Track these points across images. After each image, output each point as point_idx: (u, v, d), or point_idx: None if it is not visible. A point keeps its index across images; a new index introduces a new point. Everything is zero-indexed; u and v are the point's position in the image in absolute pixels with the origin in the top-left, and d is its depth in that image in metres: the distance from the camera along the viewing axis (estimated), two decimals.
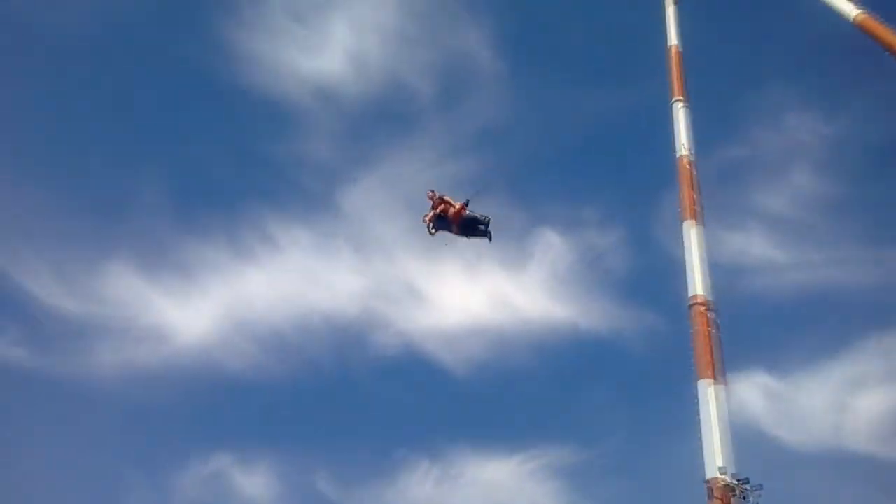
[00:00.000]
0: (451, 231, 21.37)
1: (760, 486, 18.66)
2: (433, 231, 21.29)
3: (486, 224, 21.17)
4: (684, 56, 25.95)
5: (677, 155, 22.34)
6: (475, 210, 20.94)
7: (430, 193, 21.20)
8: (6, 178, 49.03)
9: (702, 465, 19.99)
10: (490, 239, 21.52)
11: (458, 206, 20.89)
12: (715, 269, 21.73)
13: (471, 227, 21.37)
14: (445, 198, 21.09)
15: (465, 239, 21.46)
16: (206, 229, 56.16)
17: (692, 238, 20.43)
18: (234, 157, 59.15)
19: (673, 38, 26.41)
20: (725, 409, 19.30)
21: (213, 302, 51.86)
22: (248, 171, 60.49)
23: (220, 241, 55.88)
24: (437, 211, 21.02)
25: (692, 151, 22.44)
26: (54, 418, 45.22)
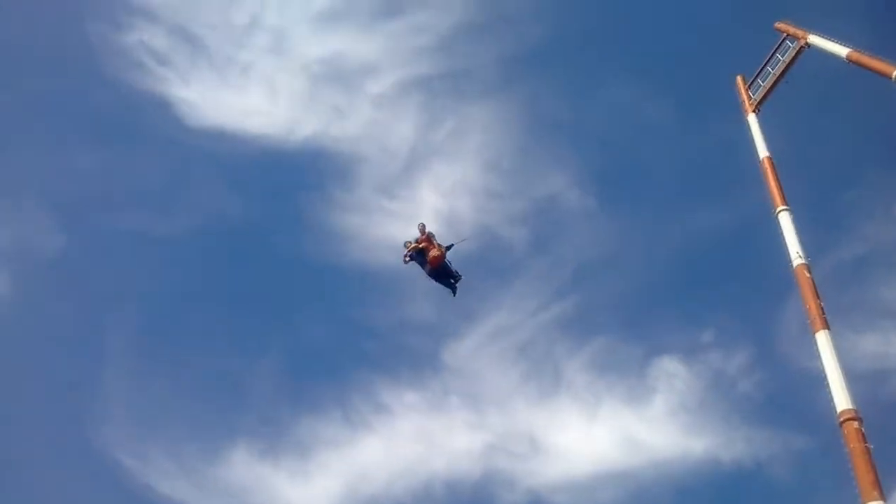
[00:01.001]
0: (423, 268, 22.72)
1: None
2: (408, 259, 22.36)
3: (457, 280, 22.78)
4: (777, 164, 26.00)
5: (794, 265, 21.87)
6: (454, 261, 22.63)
7: (421, 226, 22.66)
8: (131, 370, 52.27)
9: None
10: (454, 294, 23.12)
11: (438, 252, 22.28)
12: (856, 377, 20.70)
13: (442, 275, 22.78)
14: (433, 238, 22.55)
15: (432, 281, 22.68)
16: (320, 404, 57.31)
17: (827, 349, 19.62)
18: (340, 330, 61.21)
19: (763, 149, 26.58)
20: None
21: (332, 478, 51.99)
22: (354, 340, 62.29)
23: (335, 414, 56.78)
24: (420, 245, 22.41)
25: (807, 258, 21.99)
26: None
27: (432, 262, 22.65)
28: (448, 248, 22.18)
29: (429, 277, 22.90)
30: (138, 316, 55.16)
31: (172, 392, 53.86)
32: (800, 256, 21.76)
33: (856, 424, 18.20)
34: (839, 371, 19.08)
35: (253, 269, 61.21)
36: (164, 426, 52.09)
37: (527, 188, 63.46)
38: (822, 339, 19.74)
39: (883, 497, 17.79)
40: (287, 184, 63.39)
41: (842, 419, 18.38)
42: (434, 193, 62.51)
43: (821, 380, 19.79)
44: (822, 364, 19.45)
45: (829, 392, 18.98)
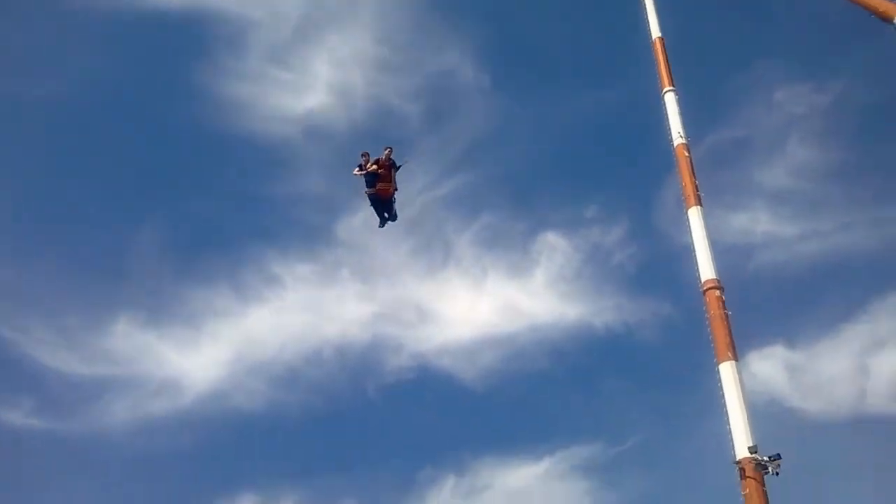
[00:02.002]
0: (367, 187, 22.37)
1: (778, 456, 19.07)
2: (358, 174, 22.14)
3: (392, 218, 22.92)
4: (669, 45, 26.33)
5: (674, 144, 22.64)
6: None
7: (388, 151, 22.30)
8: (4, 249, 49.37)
9: (729, 447, 20.33)
10: (382, 225, 23.16)
11: (392, 187, 22.43)
12: (723, 250, 22.15)
13: (383, 205, 22.62)
14: (393, 170, 22.66)
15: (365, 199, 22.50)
16: (209, 276, 56.43)
17: (697, 224, 20.73)
18: (230, 203, 59.59)
19: (655, 29, 26.74)
20: (747, 389, 19.64)
21: (222, 347, 52.04)
22: (246, 214, 60.90)
23: (224, 286, 56.12)
24: (379, 171, 22.74)
25: (688, 138, 22.76)
26: (75, 481, 45.27)
27: (382, 193, 22.13)
28: (396, 168, 21.90)
29: (366, 197, 22.21)
30: (13, 186, 52.08)
31: (52, 265, 51.93)
32: (681, 136, 22.51)
33: (717, 293, 19.62)
34: (707, 244, 20.29)
35: (137, 138, 58.24)
36: (45, 299, 50.47)
37: (421, 63, 62.29)
38: (694, 215, 20.81)
39: (735, 357, 19.48)
40: (171, 48, 59.63)
41: (705, 288, 19.75)
42: (327, 64, 60.46)
43: (690, 252, 21.08)
44: (691, 238, 20.62)
45: (696, 263, 20.27)
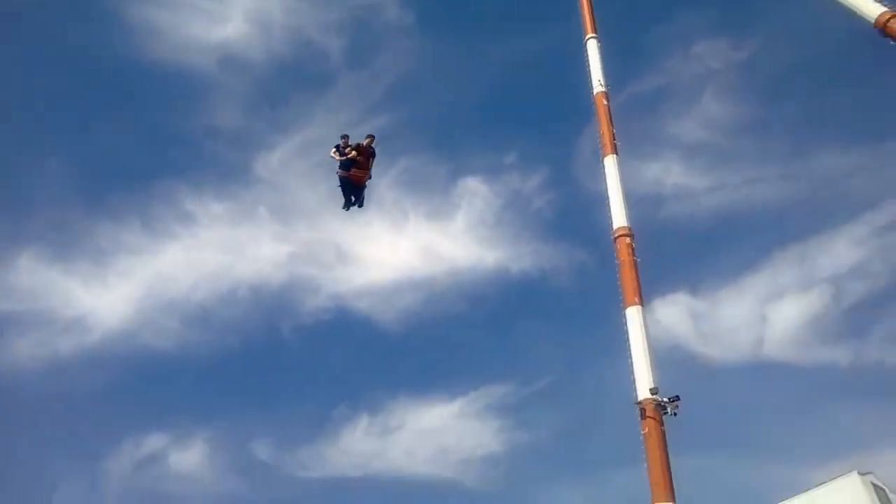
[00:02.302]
0: (341, 169, 21.73)
1: (677, 398, 20.10)
2: (335, 157, 21.33)
3: (359, 204, 22.09)
4: None
5: (594, 92, 22.74)
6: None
7: (370, 139, 21.65)
8: None
9: (633, 389, 21.28)
10: (346, 209, 22.29)
11: (367, 176, 21.59)
12: (636, 200, 22.59)
13: (353, 190, 22.03)
14: (372, 158, 21.64)
15: (336, 180, 21.79)
16: (119, 212, 53.93)
17: (612, 172, 21.03)
18: (142, 135, 56.78)
19: None
20: (651, 333, 20.41)
21: (132, 284, 50.29)
22: (158, 148, 58.24)
23: (135, 221, 53.86)
24: (357, 157, 21.36)
25: (607, 86, 22.88)
26: None
27: (355, 179, 21.29)
28: (374, 157, 21.46)
29: (338, 178, 21.31)
30: None
31: None
32: (601, 84, 22.62)
33: (628, 240, 20.11)
34: (620, 193, 20.66)
35: (38, 63, 54.54)
36: None
37: None
38: (610, 163, 21.10)
39: (641, 302, 20.14)
40: None
41: (616, 235, 20.21)
42: None
43: (605, 200, 21.45)
44: (606, 186, 20.94)
45: (609, 211, 20.65)
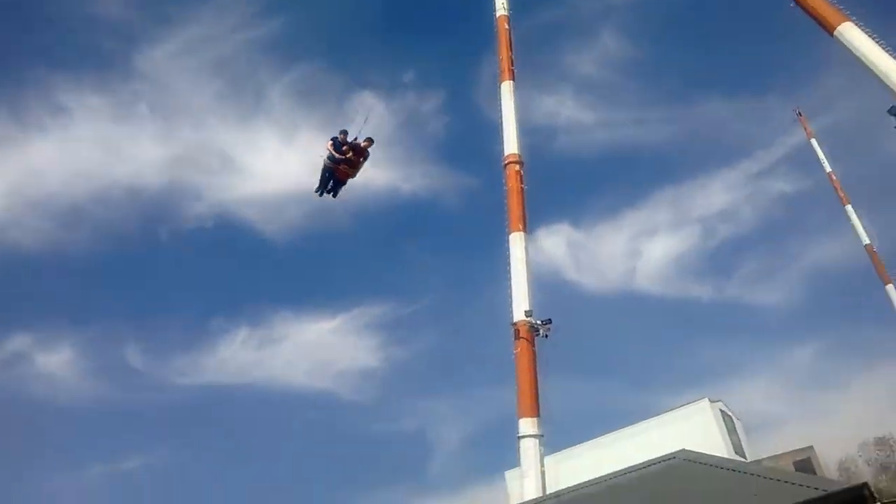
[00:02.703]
0: (329, 161, 20.84)
1: (549, 321, 21.19)
2: (328, 159, 20.48)
3: (333, 195, 21.46)
4: None
5: (496, 14, 22.61)
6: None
7: (368, 142, 20.31)
8: None
9: (511, 311, 22.14)
10: (319, 194, 21.59)
11: (352, 177, 20.80)
12: (529, 130, 22.94)
13: (334, 183, 21.33)
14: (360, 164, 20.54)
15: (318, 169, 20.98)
16: None
17: (508, 99, 21.19)
18: (9, 19, 51.84)
19: None
20: (531, 260, 21.16)
21: None
22: (29, 35, 53.47)
23: (2, 111, 49.65)
24: (349, 158, 20.22)
25: (510, 10, 22.79)
26: None
27: (341, 175, 20.02)
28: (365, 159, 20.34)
29: (322, 165, 20.07)
30: None
31: None
32: (503, 7, 22.47)
33: (517, 167, 20.49)
34: (514, 120, 20.90)
35: None
36: None
37: None
38: (506, 90, 21.22)
39: (525, 229, 20.74)
40: None
41: (506, 161, 20.53)
42: None
43: (498, 127, 21.68)
44: (500, 112, 21.12)
45: (501, 137, 20.92)
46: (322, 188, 21.48)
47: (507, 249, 21.14)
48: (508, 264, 21.41)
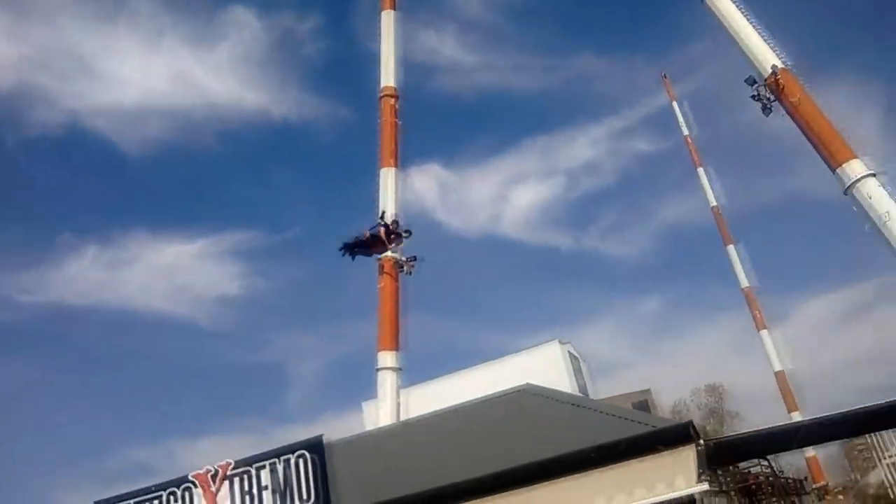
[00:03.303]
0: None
1: (414, 258, 21.41)
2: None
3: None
4: None
5: None
6: None
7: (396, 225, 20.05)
8: None
9: None
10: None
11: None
12: (409, 66, 22.57)
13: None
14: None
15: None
16: None
17: (388, 29, 20.72)
18: None
19: None
20: (401, 197, 21.15)
21: None
22: None
23: None
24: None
25: None
26: None
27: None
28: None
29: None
30: None
31: None
32: None
33: (392, 101, 20.21)
34: (393, 52, 20.49)
35: None
36: None
37: None
38: (386, 19, 20.74)
39: (397, 165, 20.60)
40: None
41: (382, 94, 20.20)
42: None
43: (377, 58, 21.20)
44: (380, 41, 20.65)
45: (379, 69, 20.51)
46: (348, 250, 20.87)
47: (378, 184, 21.00)
48: (377, 199, 21.31)
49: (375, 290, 21.17)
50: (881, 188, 20.33)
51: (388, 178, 20.16)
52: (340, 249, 20.75)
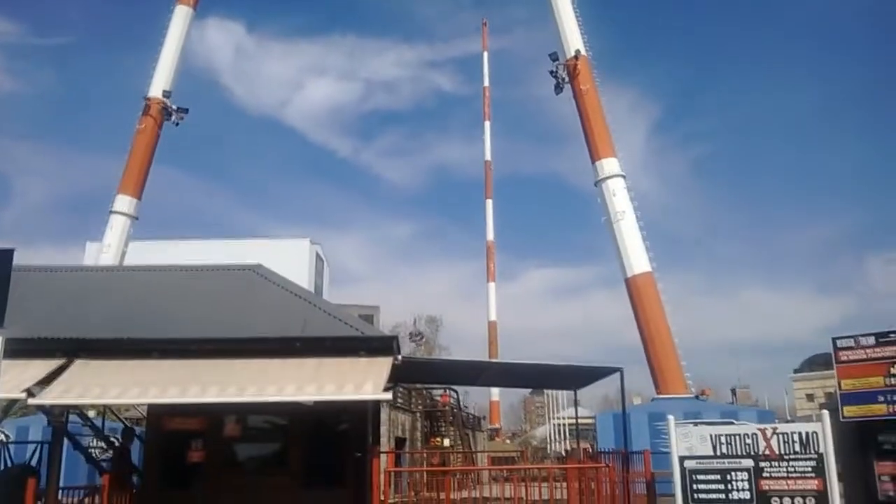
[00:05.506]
0: None
1: (186, 110, 20.21)
2: None
3: None
4: None
5: None
6: None
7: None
8: None
9: (149, 84, 20.46)
10: None
11: None
12: None
13: None
14: None
15: None
16: None
17: None
18: None
19: None
20: (190, 45, 19.75)
21: None
22: None
23: None
24: None
25: None
26: None
27: None
28: None
29: None
30: None
31: None
32: None
33: None
34: None
35: None
36: None
37: None
38: None
39: (195, 8, 19.14)
40: None
41: None
42: None
43: None
44: None
45: None
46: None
47: (169, 20, 19.28)
48: (164, 37, 19.56)
49: (133, 128, 19.63)
50: (625, 190, 22.98)
51: (179, 16, 18.64)
52: None
